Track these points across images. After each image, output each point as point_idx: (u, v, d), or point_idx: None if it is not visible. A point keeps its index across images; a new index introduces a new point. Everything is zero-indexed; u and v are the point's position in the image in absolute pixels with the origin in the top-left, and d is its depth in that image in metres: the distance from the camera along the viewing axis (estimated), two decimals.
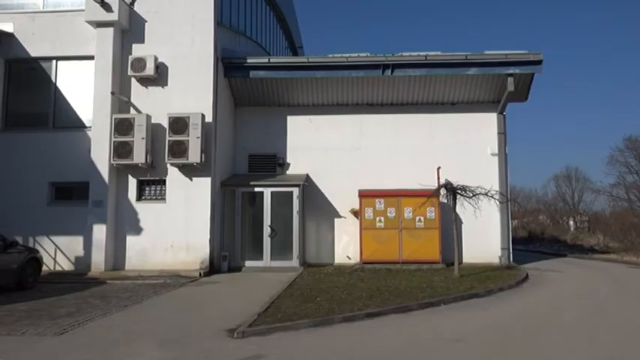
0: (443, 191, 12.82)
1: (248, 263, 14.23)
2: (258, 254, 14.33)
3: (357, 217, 14.88)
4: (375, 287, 10.48)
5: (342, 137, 15.76)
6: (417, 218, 14.54)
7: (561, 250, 23.68)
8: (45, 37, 14.07)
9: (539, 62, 14.55)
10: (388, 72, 14.87)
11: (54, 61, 14.25)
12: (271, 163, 15.76)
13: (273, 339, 6.65)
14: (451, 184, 12.54)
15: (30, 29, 14.17)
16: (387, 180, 15.05)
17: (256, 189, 14.63)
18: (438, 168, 14.47)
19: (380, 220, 14.61)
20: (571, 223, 38.22)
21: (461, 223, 14.65)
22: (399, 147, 15.60)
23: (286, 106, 16.02)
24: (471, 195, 12.37)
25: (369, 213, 14.65)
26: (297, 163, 15.74)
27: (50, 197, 13.85)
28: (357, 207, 14.88)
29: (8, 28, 14.14)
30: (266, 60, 15.48)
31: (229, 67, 14.98)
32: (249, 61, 15.08)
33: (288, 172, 15.71)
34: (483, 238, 15.01)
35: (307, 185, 15.22)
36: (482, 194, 12.38)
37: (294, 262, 14.14)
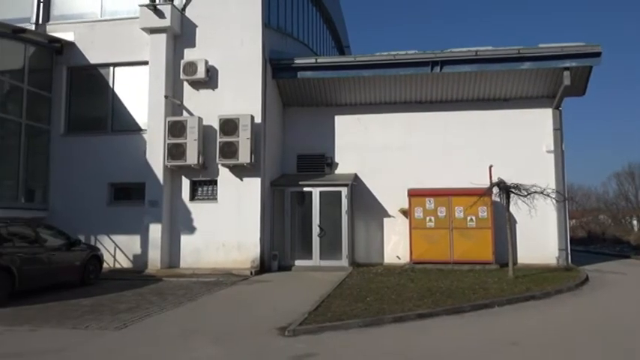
0: (495, 190, 12.46)
1: (298, 262, 14.35)
2: (307, 254, 14.43)
3: (407, 217, 14.71)
4: (425, 288, 10.32)
5: (391, 136, 15.60)
6: (469, 218, 14.21)
7: (625, 252, 22.48)
8: (103, 44, 14.71)
9: (597, 54, 13.88)
10: (437, 69, 14.61)
11: (111, 68, 14.89)
12: (320, 163, 15.81)
13: (324, 338, 6.67)
14: (504, 182, 12.16)
15: (89, 38, 14.86)
16: (437, 179, 14.78)
17: (305, 189, 14.74)
18: (490, 166, 14.07)
19: (430, 220, 14.38)
20: (634, 222, 36.22)
21: (515, 222, 14.18)
22: (449, 145, 15.28)
23: (334, 105, 16.04)
24: (526, 194, 11.95)
25: (418, 212, 14.45)
26: (346, 163, 15.73)
27: (109, 198, 14.48)
28: (406, 206, 14.71)
29: (69, 37, 14.89)
30: (313, 60, 15.57)
31: (277, 68, 15.16)
32: (296, 61, 15.21)
33: (336, 172, 15.72)
34: (539, 238, 14.47)
35: (356, 185, 15.18)
36: (538, 193, 11.95)
37: (344, 261, 14.15)
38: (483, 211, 14.15)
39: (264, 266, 13.68)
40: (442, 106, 15.63)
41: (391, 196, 15.17)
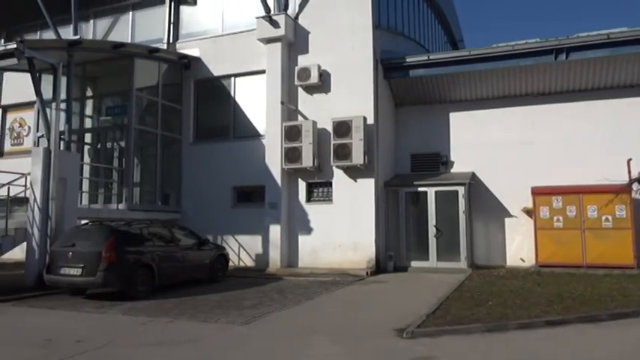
0: (635, 186, 11.19)
1: (414, 263, 14.13)
2: (423, 254, 14.15)
3: (531, 217, 13.77)
4: (554, 293, 9.57)
5: (511, 131, 14.71)
6: (604, 217, 12.90)
7: None
8: (225, 57, 15.77)
9: None
10: (562, 57, 13.51)
11: (232, 78, 15.90)
12: (434, 162, 15.41)
13: (443, 341, 6.49)
14: None
15: (212, 52, 16.01)
16: (564, 175, 13.62)
17: (420, 189, 14.47)
18: (629, 160, 12.65)
19: (558, 220, 13.32)
20: None
21: None
22: (578, 138, 14.01)
23: (448, 102, 15.55)
24: None
25: (544, 212, 13.46)
26: (462, 161, 15.15)
27: (233, 200, 15.45)
28: (530, 205, 13.77)
29: (195, 52, 16.18)
30: (425, 58, 15.23)
31: (388, 68, 15.08)
32: (408, 60, 15.01)
33: (452, 171, 15.21)
34: None
35: (473, 183, 14.56)
36: None
37: (462, 263, 13.64)
38: (621, 210, 12.77)
39: (379, 267, 13.67)
40: (568, 97, 14.41)
41: (512, 194, 14.31)
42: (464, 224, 13.82)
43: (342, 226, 13.81)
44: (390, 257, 14.02)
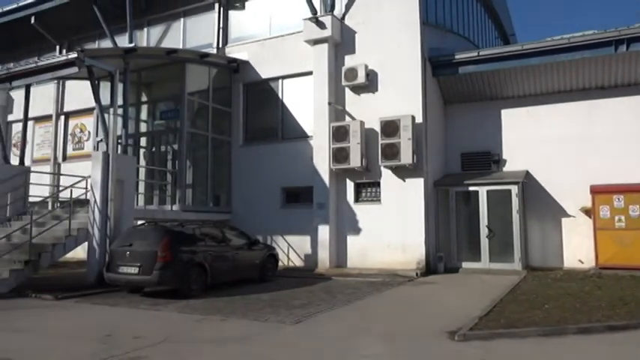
0: None
1: (465, 264, 13.83)
2: (475, 255, 13.82)
3: (590, 216, 13.17)
4: (617, 297, 9.11)
5: (566, 127, 14.12)
6: None
7: None
8: (272, 60, 15.98)
9: None
10: (623, 48, 12.83)
11: (280, 80, 16.09)
12: (485, 161, 15.01)
13: (497, 345, 6.30)
14: None
15: (260, 55, 16.27)
16: (626, 173, 12.97)
17: (470, 188, 14.14)
18: None
19: (620, 220, 12.67)
20: None
21: None
22: None
23: (499, 99, 15.11)
24: None
25: (604, 211, 12.84)
26: (514, 159, 14.68)
27: (282, 201, 15.63)
28: (588, 205, 13.18)
29: (244, 56, 16.49)
30: (475, 54, 14.85)
31: (437, 65, 14.83)
32: (457, 57, 14.69)
33: (504, 170, 14.77)
34: None
35: (527, 182, 14.08)
36: None
37: (516, 264, 13.23)
38: None
39: (429, 267, 13.46)
40: (629, 90, 13.67)
41: (569, 193, 13.73)
42: (517, 224, 13.39)
43: (391, 227, 13.68)
44: (441, 258, 13.78)
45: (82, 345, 6.43)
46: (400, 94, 13.92)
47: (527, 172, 14.27)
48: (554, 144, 14.11)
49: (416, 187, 13.68)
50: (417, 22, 14.05)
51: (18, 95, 16.26)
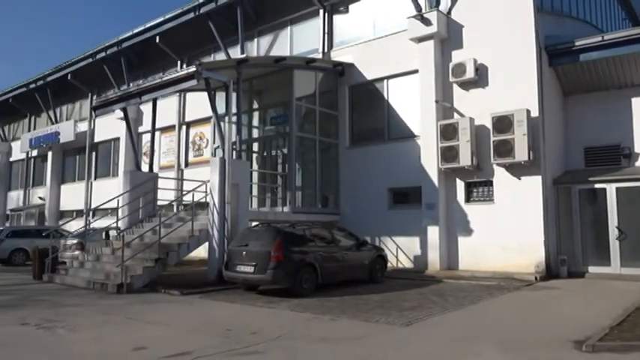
0: None
1: (592, 269, 12.70)
2: (603, 259, 12.62)
3: None
4: None
5: None
6: None
7: None
8: (377, 61, 15.96)
9: None
10: None
11: (385, 81, 16.03)
12: (613, 155, 13.66)
13: (632, 359, 5.70)
14: None
15: (365, 56, 16.33)
16: None
17: (597, 185, 12.96)
18: None
19: None
20: None
21: None
22: None
23: (628, 86, 13.70)
24: None
25: None
26: None
27: (389, 202, 15.53)
28: None
29: (349, 59, 16.67)
30: (599, 39, 13.56)
31: (554, 54, 13.81)
32: (577, 43, 13.54)
33: (636, 164, 13.34)
34: None
35: None
36: None
37: None
38: None
39: (550, 272, 12.56)
40: None
41: None
42: None
43: (506, 228, 12.97)
44: (563, 262, 12.79)
45: (206, 338, 6.91)
46: (513, 88, 13.16)
47: None
48: None
49: (533, 185, 12.83)
50: (530, 10, 13.19)
51: (146, 108, 17.95)
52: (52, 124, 29.17)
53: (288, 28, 18.88)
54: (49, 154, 29.72)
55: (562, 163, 14.24)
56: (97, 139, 27.19)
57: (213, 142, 15.60)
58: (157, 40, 21.36)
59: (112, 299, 10.28)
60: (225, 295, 10.53)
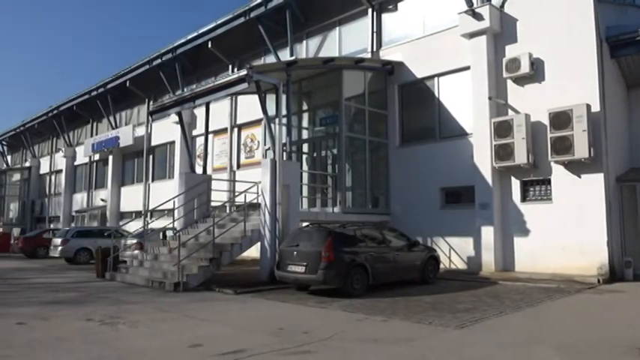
0: None
1: None
2: None
3: None
4: None
5: None
6: None
7: None
8: (427, 58, 15.72)
9: None
10: None
11: (435, 79, 15.75)
12: None
13: None
14: None
15: (414, 54, 16.12)
16: None
17: None
18: None
19: None
20: None
21: None
22: None
23: None
24: None
25: None
26: None
27: (441, 201, 15.26)
28: None
29: (398, 58, 16.50)
30: None
31: (616, 46, 13.15)
32: None
33: None
34: None
35: None
36: None
37: None
38: None
39: (614, 274, 11.95)
40: None
41: None
42: None
43: (565, 228, 12.46)
44: (628, 264, 12.14)
45: (259, 336, 7.03)
46: (571, 82, 12.62)
47: None
48: None
49: (594, 183, 12.25)
50: (589, 0, 12.60)
51: (200, 112, 18.44)
52: (112, 129, 30.65)
53: (337, 28, 18.91)
54: (110, 157, 31.20)
55: (626, 160, 13.53)
56: (153, 143, 28.29)
57: (264, 144, 15.87)
58: (209, 46, 21.96)
59: (169, 297, 10.65)
60: (276, 295, 10.67)
